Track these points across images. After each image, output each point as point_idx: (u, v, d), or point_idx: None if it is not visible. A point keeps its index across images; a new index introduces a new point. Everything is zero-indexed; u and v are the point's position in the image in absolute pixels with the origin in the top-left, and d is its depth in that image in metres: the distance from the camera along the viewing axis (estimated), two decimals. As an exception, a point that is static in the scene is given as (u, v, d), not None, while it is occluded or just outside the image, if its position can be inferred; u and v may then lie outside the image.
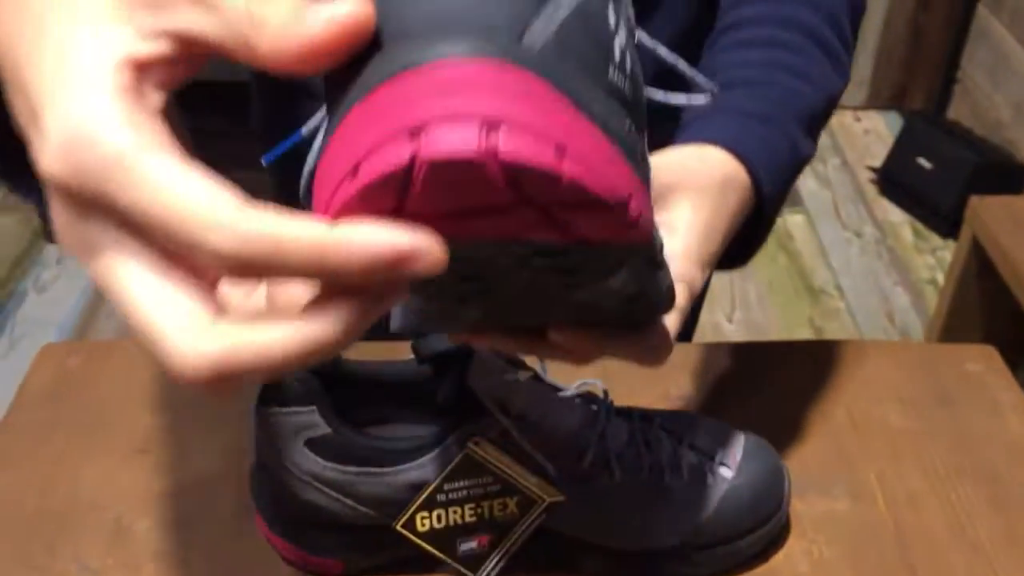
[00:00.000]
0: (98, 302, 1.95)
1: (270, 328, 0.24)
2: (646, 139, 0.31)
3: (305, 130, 0.29)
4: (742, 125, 0.50)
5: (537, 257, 0.29)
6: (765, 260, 2.12)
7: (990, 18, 2.28)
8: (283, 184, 0.77)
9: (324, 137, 0.26)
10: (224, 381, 0.24)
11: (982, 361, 0.72)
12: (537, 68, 0.24)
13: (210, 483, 0.61)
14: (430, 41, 0.24)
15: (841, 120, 2.63)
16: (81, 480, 0.61)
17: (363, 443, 0.52)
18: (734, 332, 1.94)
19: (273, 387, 0.52)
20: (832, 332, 1.95)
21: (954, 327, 1.62)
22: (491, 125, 0.23)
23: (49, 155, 0.24)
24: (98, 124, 0.24)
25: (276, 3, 0.24)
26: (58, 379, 0.69)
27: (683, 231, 0.45)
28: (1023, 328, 1.49)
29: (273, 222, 0.23)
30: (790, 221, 2.24)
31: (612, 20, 0.27)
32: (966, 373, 0.71)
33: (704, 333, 1.92)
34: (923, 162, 2.21)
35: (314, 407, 0.52)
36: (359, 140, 0.24)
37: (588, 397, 0.56)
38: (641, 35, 0.34)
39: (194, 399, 0.66)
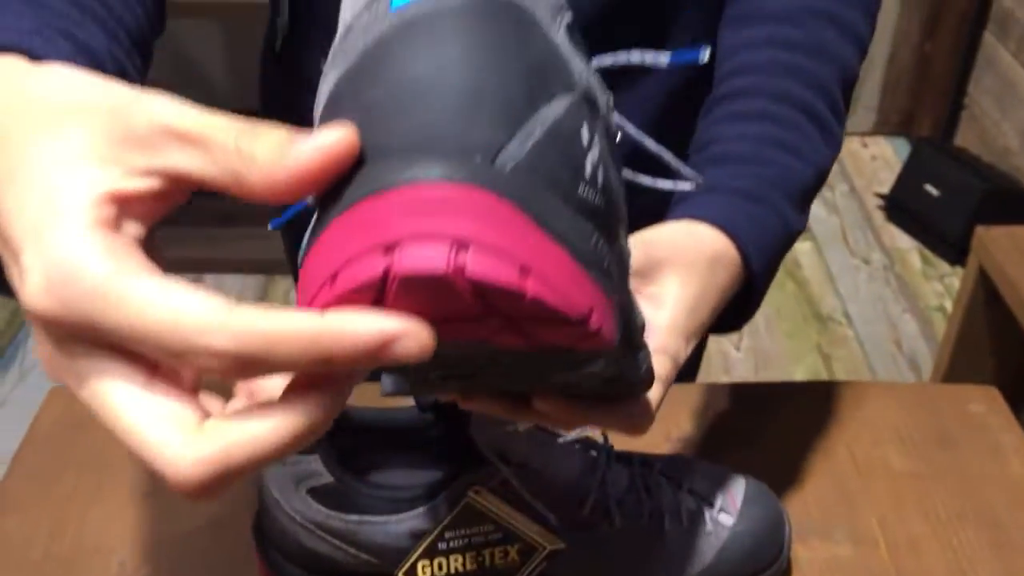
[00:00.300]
0: (109, 331, 1.96)
1: (258, 422, 0.25)
2: (623, 239, 0.32)
3: (311, 199, 0.30)
4: (734, 204, 0.52)
5: (510, 353, 0.30)
6: (773, 287, 2.11)
7: (997, 45, 2.29)
8: (295, 243, 0.79)
9: (310, 236, 0.28)
10: (222, 481, 0.25)
11: (984, 402, 0.73)
12: (506, 191, 0.26)
13: (214, 528, 0.61)
14: (407, 162, 0.25)
15: (849, 146, 2.63)
16: (87, 523, 0.61)
17: (364, 492, 0.53)
18: (742, 360, 1.94)
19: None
20: (840, 360, 1.94)
21: (962, 356, 1.62)
22: (460, 245, 0.25)
23: (32, 291, 0.25)
24: (79, 259, 0.24)
25: (263, 138, 0.25)
26: (66, 421, 0.70)
27: (670, 305, 0.47)
28: (1031, 358, 1.49)
29: (264, 316, 0.24)
30: (798, 248, 2.25)
31: (586, 137, 0.29)
32: (968, 414, 0.72)
33: (711, 361, 1.92)
34: (930, 189, 2.21)
35: (316, 456, 0.52)
36: (339, 250, 0.26)
37: (588, 442, 0.57)
38: (628, 127, 0.35)
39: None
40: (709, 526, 0.56)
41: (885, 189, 2.37)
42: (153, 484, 0.64)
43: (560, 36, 0.29)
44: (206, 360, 0.24)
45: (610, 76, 0.60)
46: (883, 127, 2.66)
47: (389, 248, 0.25)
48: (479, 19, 0.27)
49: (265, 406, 0.25)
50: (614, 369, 0.35)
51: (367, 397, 0.58)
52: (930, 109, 2.56)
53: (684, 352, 0.47)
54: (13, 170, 0.27)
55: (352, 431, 0.56)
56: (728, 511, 0.57)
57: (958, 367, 1.62)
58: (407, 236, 0.25)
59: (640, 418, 0.42)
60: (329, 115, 0.28)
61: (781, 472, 0.65)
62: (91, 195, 0.26)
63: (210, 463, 0.25)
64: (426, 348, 0.25)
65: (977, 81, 2.38)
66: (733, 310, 0.53)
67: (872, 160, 2.59)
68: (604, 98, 0.31)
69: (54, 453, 0.67)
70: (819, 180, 0.57)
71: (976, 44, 2.38)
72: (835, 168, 2.54)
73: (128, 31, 0.41)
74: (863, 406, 0.72)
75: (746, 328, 2.01)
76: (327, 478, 0.53)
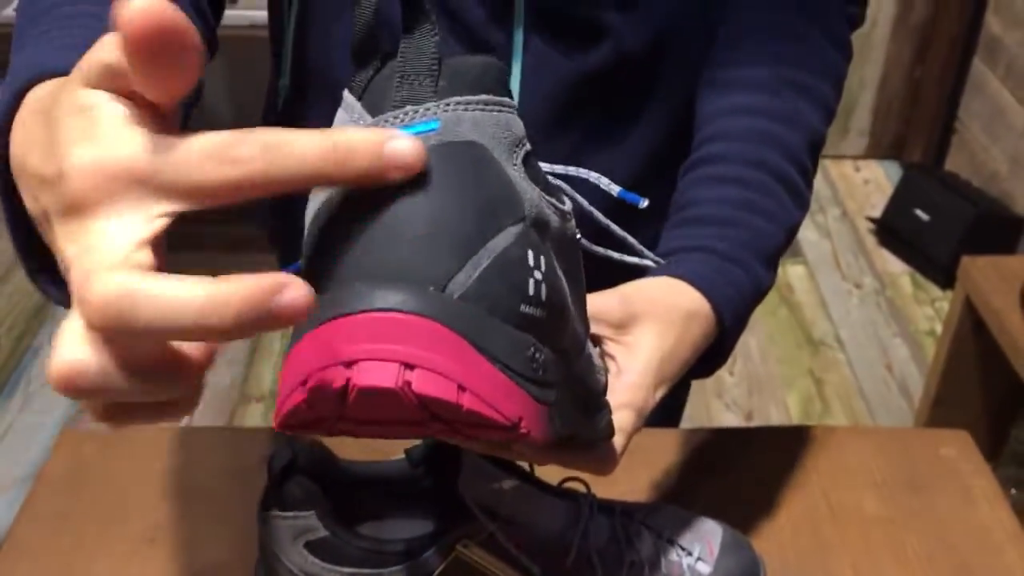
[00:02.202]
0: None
1: (177, 286, 0.27)
2: (572, 328, 0.38)
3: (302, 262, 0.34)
4: (710, 263, 0.56)
5: None
6: (766, 312, 2.16)
7: (986, 71, 2.32)
8: None
9: (291, 341, 0.33)
10: (116, 321, 0.27)
11: (955, 446, 0.75)
12: (451, 319, 0.31)
13: (218, 574, 0.64)
14: (370, 291, 0.31)
15: (841, 170, 2.67)
16: (94, 571, 0.64)
17: (358, 545, 0.56)
18: (735, 384, 1.97)
19: (275, 492, 0.56)
20: (832, 384, 1.97)
21: (951, 381, 1.65)
22: (407, 366, 0.30)
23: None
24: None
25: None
26: (74, 468, 0.72)
27: (644, 355, 0.50)
28: (1018, 383, 1.51)
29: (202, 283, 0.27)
30: (791, 272, 2.28)
31: (531, 260, 0.34)
32: (940, 458, 0.74)
33: (705, 386, 1.95)
34: (921, 214, 2.25)
35: (313, 512, 0.55)
36: (309, 360, 0.31)
37: (572, 492, 0.60)
38: (596, 214, 0.39)
39: (205, 490, 0.70)
40: (688, 575, 0.59)
41: (877, 213, 2.41)
42: (157, 531, 0.67)
43: (516, 168, 0.34)
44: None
45: (599, 134, 0.63)
46: (875, 151, 2.70)
47: (349, 364, 0.30)
48: (442, 160, 0.32)
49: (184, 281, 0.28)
50: (568, 431, 0.39)
51: (359, 450, 0.61)
52: (921, 134, 2.59)
53: (652, 402, 0.50)
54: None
55: (346, 485, 0.59)
56: (705, 560, 0.60)
57: (947, 393, 1.65)
58: (364, 356, 0.30)
59: (604, 463, 0.47)
60: (313, 232, 0.33)
61: (758, 518, 0.68)
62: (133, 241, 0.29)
63: (114, 289, 0.27)
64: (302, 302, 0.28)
65: (967, 106, 2.42)
66: (703, 360, 0.56)
67: (864, 184, 2.62)
68: (558, 214, 0.36)
69: (64, 500, 0.70)
70: (789, 239, 0.61)
71: (966, 70, 2.41)
72: (827, 192, 2.58)
73: None
74: (840, 450, 0.74)
75: (739, 352, 2.04)
76: (322, 532, 0.55)
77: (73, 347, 0.28)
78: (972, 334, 1.59)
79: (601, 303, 0.50)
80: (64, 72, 0.35)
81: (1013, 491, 1.59)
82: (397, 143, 0.31)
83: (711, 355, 0.56)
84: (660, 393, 0.51)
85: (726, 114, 0.62)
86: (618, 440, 0.47)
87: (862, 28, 0.68)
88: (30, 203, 0.33)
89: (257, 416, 1.87)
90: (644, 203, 0.40)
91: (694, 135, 0.64)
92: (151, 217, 0.29)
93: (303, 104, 0.70)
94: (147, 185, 0.29)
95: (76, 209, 0.30)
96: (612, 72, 0.64)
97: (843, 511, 0.70)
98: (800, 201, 0.61)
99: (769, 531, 0.68)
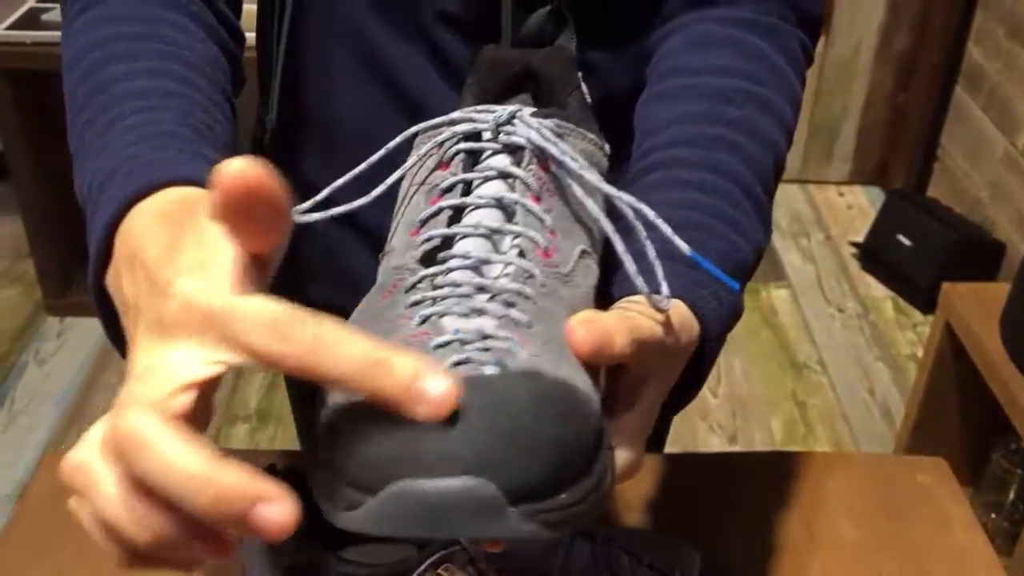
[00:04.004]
0: (96, 376, 1.99)
1: (183, 450, 0.31)
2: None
3: None
4: (687, 276, 0.48)
5: None
6: (749, 334, 2.17)
7: (967, 100, 2.35)
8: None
9: None
10: (121, 451, 0.32)
11: (932, 473, 0.77)
12: None
13: (199, 597, 0.64)
14: None
15: (826, 194, 2.69)
16: (78, 594, 0.64)
17: (340, 570, 0.56)
18: (718, 406, 1.98)
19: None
20: (814, 407, 1.99)
21: (931, 405, 1.66)
22: None
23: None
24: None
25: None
26: (56, 491, 0.72)
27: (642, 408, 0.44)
28: (998, 408, 1.53)
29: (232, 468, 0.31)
30: (775, 295, 2.30)
31: None
32: (917, 485, 0.75)
33: (689, 408, 1.96)
34: (903, 239, 2.27)
35: (295, 536, 0.56)
36: None
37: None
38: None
39: (186, 512, 0.70)
40: (666, 601, 0.60)
41: (860, 237, 2.43)
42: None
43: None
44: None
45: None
46: (858, 176, 2.73)
47: None
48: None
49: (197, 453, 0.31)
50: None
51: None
52: (904, 160, 2.62)
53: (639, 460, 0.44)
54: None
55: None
56: (684, 586, 0.61)
57: (927, 417, 1.67)
58: None
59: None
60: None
61: (739, 545, 0.69)
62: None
63: (112, 429, 0.32)
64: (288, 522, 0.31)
65: (949, 133, 2.45)
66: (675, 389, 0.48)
67: (848, 209, 2.64)
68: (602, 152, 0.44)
69: (46, 523, 0.70)
70: (756, 262, 0.55)
71: (948, 97, 2.44)
72: (811, 216, 2.60)
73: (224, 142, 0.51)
74: (819, 478, 0.75)
75: (723, 374, 2.05)
76: (304, 556, 0.56)
77: (88, 444, 0.34)
78: (953, 360, 1.60)
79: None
80: (186, 181, 0.42)
81: (993, 515, 1.60)
82: (428, 383, 0.32)
83: (685, 381, 0.49)
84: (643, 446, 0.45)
85: (686, 120, 0.56)
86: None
87: (845, 55, 0.67)
88: (128, 286, 0.38)
89: (242, 436, 1.87)
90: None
91: (636, 146, 0.57)
92: (209, 361, 0.33)
93: (291, 144, 0.69)
94: (219, 332, 0.33)
95: (164, 327, 0.34)
96: (597, 113, 0.64)
97: (822, 538, 0.70)
98: (765, 224, 0.55)
99: (749, 558, 0.69)
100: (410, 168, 0.45)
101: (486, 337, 0.36)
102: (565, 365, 0.37)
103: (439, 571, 0.56)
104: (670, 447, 0.88)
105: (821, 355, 2.13)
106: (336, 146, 0.67)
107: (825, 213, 2.62)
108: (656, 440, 0.87)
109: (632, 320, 0.41)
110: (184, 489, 0.31)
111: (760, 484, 0.75)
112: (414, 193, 0.44)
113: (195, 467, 0.31)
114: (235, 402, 1.95)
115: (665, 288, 0.43)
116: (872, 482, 0.75)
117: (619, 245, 0.42)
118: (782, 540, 0.70)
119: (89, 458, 0.33)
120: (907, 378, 2.05)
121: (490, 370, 0.35)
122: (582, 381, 0.37)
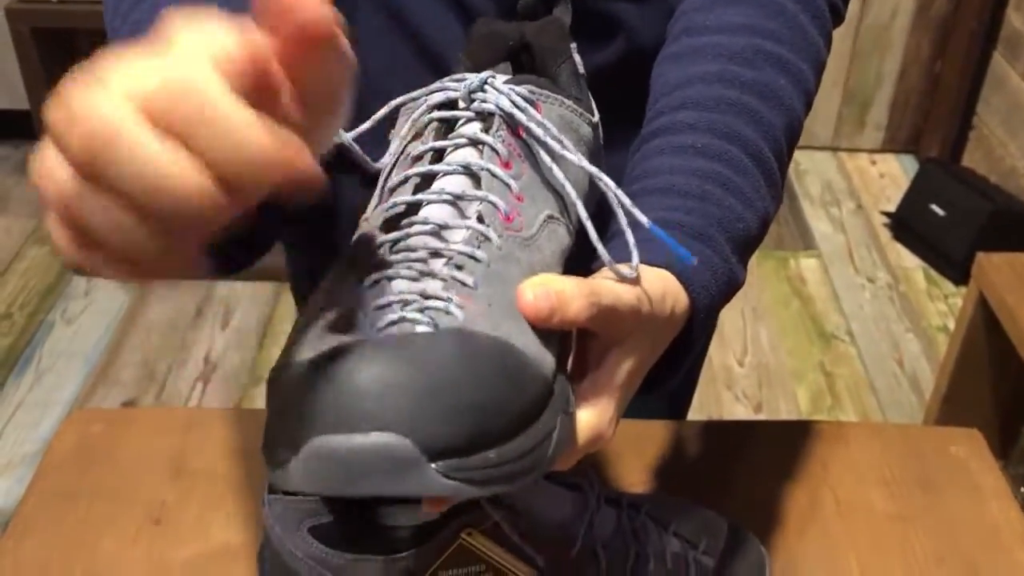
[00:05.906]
0: (123, 335, 2.00)
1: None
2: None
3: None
4: (683, 242, 0.47)
5: None
6: (777, 303, 2.15)
7: (1006, 66, 2.30)
8: (296, 271, 0.85)
9: None
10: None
11: (966, 445, 0.75)
12: None
13: (223, 556, 0.64)
14: None
15: (857, 163, 2.65)
16: (99, 552, 0.64)
17: (362, 531, 0.56)
18: (744, 375, 1.96)
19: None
20: (842, 377, 1.96)
21: (962, 378, 1.64)
22: None
23: None
24: None
25: None
26: (81, 446, 0.73)
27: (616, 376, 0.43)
28: (1030, 382, 1.51)
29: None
30: (804, 264, 2.27)
31: None
32: (950, 457, 0.74)
33: (716, 376, 1.95)
34: (936, 209, 2.23)
35: (318, 496, 0.55)
36: None
37: (579, 484, 0.59)
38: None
39: (212, 472, 0.70)
40: (692, 569, 0.59)
41: (892, 207, 2.39)
42: (163, 511, 0.67)
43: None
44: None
45: (609, 133, 0.60)
46: (892, 144, 2.68)
47: None
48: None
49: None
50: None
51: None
52: (939, 128, 2.57)
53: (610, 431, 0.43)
54: None
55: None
56: (711, 554, 0.60)
57: (958, 389, 1.64)
58: None
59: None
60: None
61: (765, 513, 0.68)
62: None
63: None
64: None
65: (986, 101, 2.40)
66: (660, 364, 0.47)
67: (880, 178, 2.60)
68: (591, 126, 0.44)
69: (68, 480, 0.70)
70: (761, 232, 0.53)
71: (986, 64, 2.39)
72: (843, 185, 2.56)
73: None
74: (848, 447, 0.74)
75: (750, 343, 2.04)
76: (327, 517, 0.55)
77: (111, 94, 0.29)
78: (985, 331, 1.57)
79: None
80: None
81: (1023, 489, 1.58)
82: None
83: (671, 356, 0.48)
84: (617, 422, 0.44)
85: (695, 82, 0.54)
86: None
87: (881, 20, 0.65)
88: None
89: (266, 398, 1.88)
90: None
91: (648, 109, 0.55)
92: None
93: None
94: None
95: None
96: (624, 67, 0.63)
97: (851, 508, 0.69)
98: (774, 190, 0.53)
99: (775, 526, 0.67)
100: (397, 141, 0.46)
101: (427, 298, 0.37)
102: (507, 325, 0.37)
103: (461, 534, 0.55)
104: (695, 415, 0.87)
105: (850, 325, 2.10)
106: (359, 102, 0.66)
107: (857, 182, 2.58)
108: (676, 408, 0.86)
109: (592, 286, 0.40)
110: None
111: (787, 452, 0.73)
112: (393, 164, 0.45)
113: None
114: (262, 361, 1.95)
115: (635, 257, 0.43)
116: (904, 453, 0.74)
117: (582, 212, 0.43)
118: (810, 510, 0.69)
119: (119, 116, 0.28)
120: (937, 350, 2.02)
121: (421, 329, 0.35)
122: (526, 343, 0.37)
